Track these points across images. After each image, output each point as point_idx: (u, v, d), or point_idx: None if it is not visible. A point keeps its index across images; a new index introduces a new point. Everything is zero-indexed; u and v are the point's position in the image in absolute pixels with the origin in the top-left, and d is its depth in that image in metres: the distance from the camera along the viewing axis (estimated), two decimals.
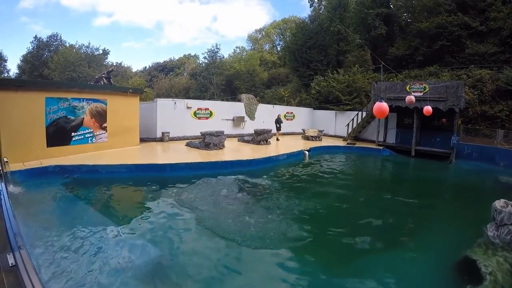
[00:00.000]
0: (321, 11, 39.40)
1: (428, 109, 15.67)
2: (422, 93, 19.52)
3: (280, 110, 26.84)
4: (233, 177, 11.72)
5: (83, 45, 55.49)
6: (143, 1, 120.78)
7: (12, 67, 56.18)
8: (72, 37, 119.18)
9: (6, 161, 9.09)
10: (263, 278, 5.51)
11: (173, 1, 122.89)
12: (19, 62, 56.21)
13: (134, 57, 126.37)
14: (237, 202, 9.18)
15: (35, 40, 53.75)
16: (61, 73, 46.83)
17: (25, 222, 6.45)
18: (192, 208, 8.38)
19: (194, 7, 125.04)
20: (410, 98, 15.75)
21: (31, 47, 53.89)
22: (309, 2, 39.72)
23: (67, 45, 54.02)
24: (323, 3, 39.75)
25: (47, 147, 12.13)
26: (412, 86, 20.31)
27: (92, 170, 11.12)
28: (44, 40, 54.16)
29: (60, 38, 55.16)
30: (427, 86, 19.71)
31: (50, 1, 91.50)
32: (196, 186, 10.45)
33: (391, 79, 26.15)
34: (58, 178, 10.30)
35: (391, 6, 34.34)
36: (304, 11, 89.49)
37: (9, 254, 2.22)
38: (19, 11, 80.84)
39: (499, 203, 6.87)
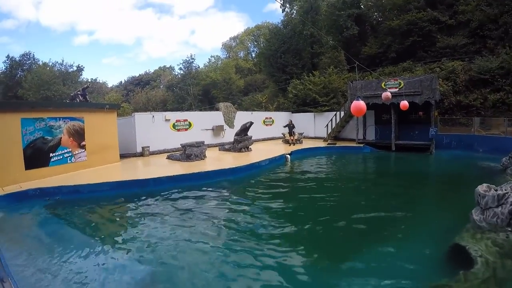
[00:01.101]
0: (293, 16, 39.64)
1: (404, 103, 15.77)
2: (397, 89, 19.62)
3: (259, 116, 26.82)
4: (217, 188, 11.61)
5: (57, 62, 53.92)
6: (123, 18, 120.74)
7: None
8: (54, 56, 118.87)
9: None
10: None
11: (152, 17, 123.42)
12: None
13: (111, 72, 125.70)
14: (224, 211, 9.07)
15: (7, 60, 51.58)
16: (36, 93, 45.31)
17: (8, 250, 6.17)
18: (180, 221, 8.17)
19: (173, 21, 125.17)
20: (386, 94, 15.86)
21: (3, 67, 51.89)
22: (281, 7, 40.05)
23: (40, 63, 52.33)
24: (294, 7, 40.02)
25: (25, 169, 11.60)
26: (387, 83, 20.42)
27: (73, 190, 10.71)
28: (17, 59, 52.14)
29: (33, 56, 53.13)
30: (402, 82, 19.84)
31: (31, 22, 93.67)
32: (181, 199, 10.26)
33: (366, 78, 26.38)
34: (39, 201, 9.83)
35: (362, 6, 34.83)
36: (277, 17, 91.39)
37: None
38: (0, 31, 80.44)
39: (482, 188, 7.00)
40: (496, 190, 6.82)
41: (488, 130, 18.80)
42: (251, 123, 19.58)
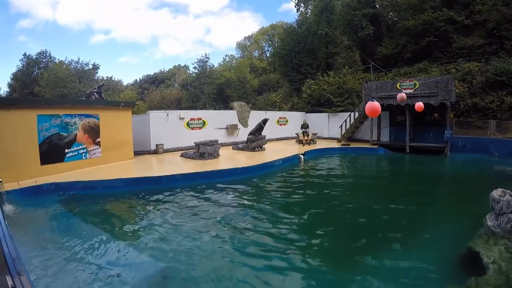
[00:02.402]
0: (307, 15, 39.63)
1: (419, 105, 15.75)
2: (412, 90, 19.57)
3: (273, 115, 26.91)
4: (230, 187, 11.69)
5: (73, 60, 55.16)
6: (139, 17, 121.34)
7: (3, 86, 55.84)
8: (70, 55, 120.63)
9: (0, 181, 9.04)
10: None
11: (168, 17, 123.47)
12: (9, 80, 55.87)
13: (126, 70, 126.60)
14: (237, 210, 9.12)
15: (24, 58, 52.97)
16: (52, 90, 46.33)
17: (22, 243, 6.35)
18: (192, 219, 8.27)
19: (188, 21, 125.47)
20: (401, 95, 15.76)
21: (21, 65, 53.20)
22: (295, 6, 40.17)
23: (57, 61, 53.47)
24: (309, 7, 39.99)
25: (41, 165, 12.03)
26: (403, 84, 20.35)
27: (87, 186, 11.01)
28: (33, 57, 53.40)
29: (49, 54, 54.44)
30: (417, 83, 19.78)
31: (48, 21, 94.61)
32: (194, 197, 10.38)
33: (381, 78, 26.34)
34: (54, 195, 10.18)
35: (377, 6, 34.55)
36: (291, 16, 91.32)
37: (7, 280, 2.14)
38: (18, 31, 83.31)
39: (496, 193, 6.81)
40: (511, 196, 6.77)
41: (504, 134, 18.51)
42: (266, 120, 19.61)
